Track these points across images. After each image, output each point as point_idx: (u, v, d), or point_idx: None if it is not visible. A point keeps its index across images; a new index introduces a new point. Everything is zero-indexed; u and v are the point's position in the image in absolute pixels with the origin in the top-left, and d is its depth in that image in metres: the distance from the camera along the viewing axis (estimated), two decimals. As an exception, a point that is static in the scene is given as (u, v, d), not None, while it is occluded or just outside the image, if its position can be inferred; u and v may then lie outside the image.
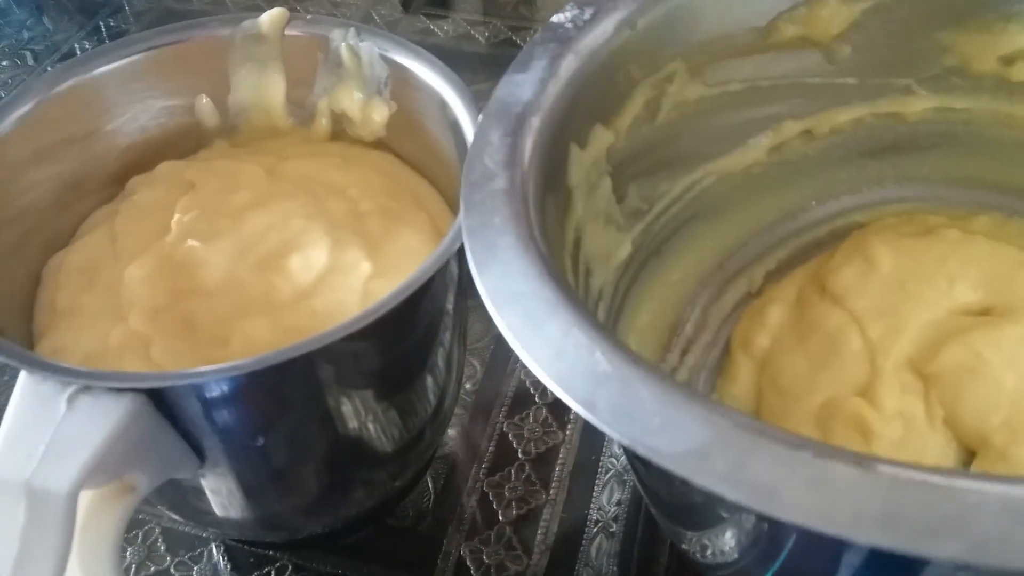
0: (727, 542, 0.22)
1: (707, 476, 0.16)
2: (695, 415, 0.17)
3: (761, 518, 0.20)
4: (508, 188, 0.23)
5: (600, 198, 0.28)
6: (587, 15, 0.27)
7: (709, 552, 0.24)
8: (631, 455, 0.26)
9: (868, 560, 0.18)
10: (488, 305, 0.20)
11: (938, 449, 0.27)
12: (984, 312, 0.30)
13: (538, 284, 0.20)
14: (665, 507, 0.26)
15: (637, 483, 0.27)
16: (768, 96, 0.32)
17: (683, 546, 0.26)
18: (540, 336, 0.19)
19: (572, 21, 0.27)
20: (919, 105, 0.33)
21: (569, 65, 0.26)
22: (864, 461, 0.16)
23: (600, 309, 0.28)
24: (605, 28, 0.27)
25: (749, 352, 0.32)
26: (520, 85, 0.26)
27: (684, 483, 0.17)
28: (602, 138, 0.28)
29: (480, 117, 0.25)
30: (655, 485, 0.25)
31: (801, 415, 0.29)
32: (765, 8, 0.30)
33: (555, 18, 0.27)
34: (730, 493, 0.16)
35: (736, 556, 0.23)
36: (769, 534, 0.21)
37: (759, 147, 0.33)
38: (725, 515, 0.21)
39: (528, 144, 0.24)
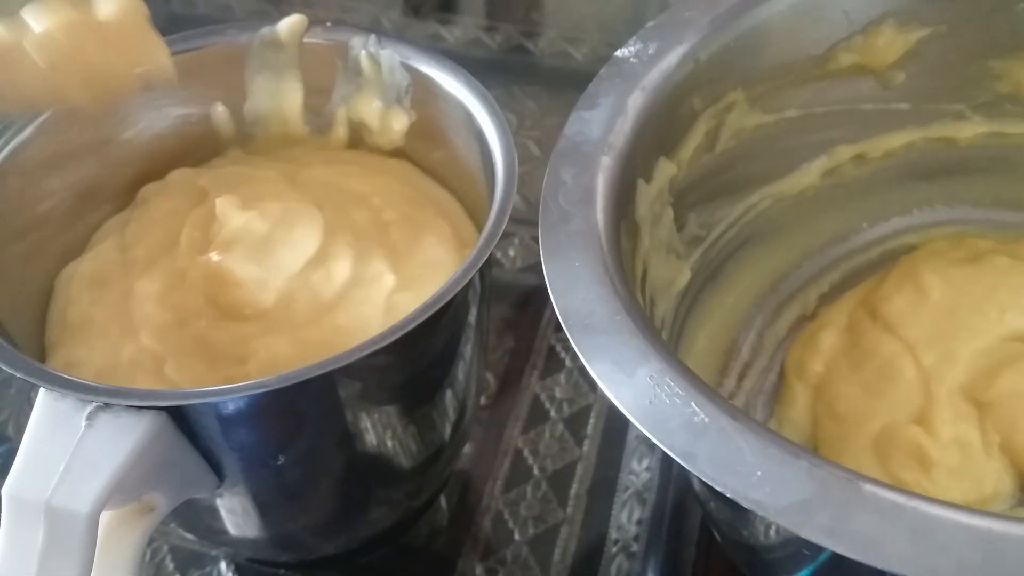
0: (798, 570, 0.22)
1: (811, 530, 0.17)
2: (796, 468, 0.18)
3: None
4: (584, 230, 0.23)
5: (662, 228, 0.29)
6: (651, 50, 0.28)
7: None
8: (708, 498, 0.26)
9: None
10: (580, 355, 0.21)
11: (995, 475, 0.28)
12: None
13: (625, 329, 0.21)
14: (741, 546, 0.26)
15: (709, 520, 0.28)
16: (823, 122, 0.33)
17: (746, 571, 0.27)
18: (633, 385, 0.19)
19: (636, 56, 0.28)
20: (971, 131, 0.34)
21: (636, 101, 0.27)
22: (964, 513, 0.16)
23: (663, 336, 0.28)
24: (670, 62, 0.28)
25: (804, 378, 0.32)
26: (589, 123, 0.26)
27: (778, 533, 0.18)
28: (665, 170, 0.28)
29: (551, 157, 0.25)
30: (736, 528, 0.25)
31: (859, 442, 0.29)
32: (823, 37, 0.31)
33: (619, 53, 0.28)
34: (834, 546, 0.17)
35: None
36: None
37: (813, 171, 0.34)
38: (808, 553, 0.21)
39: (600, 183, 0.25)
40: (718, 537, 0.28)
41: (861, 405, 0.30)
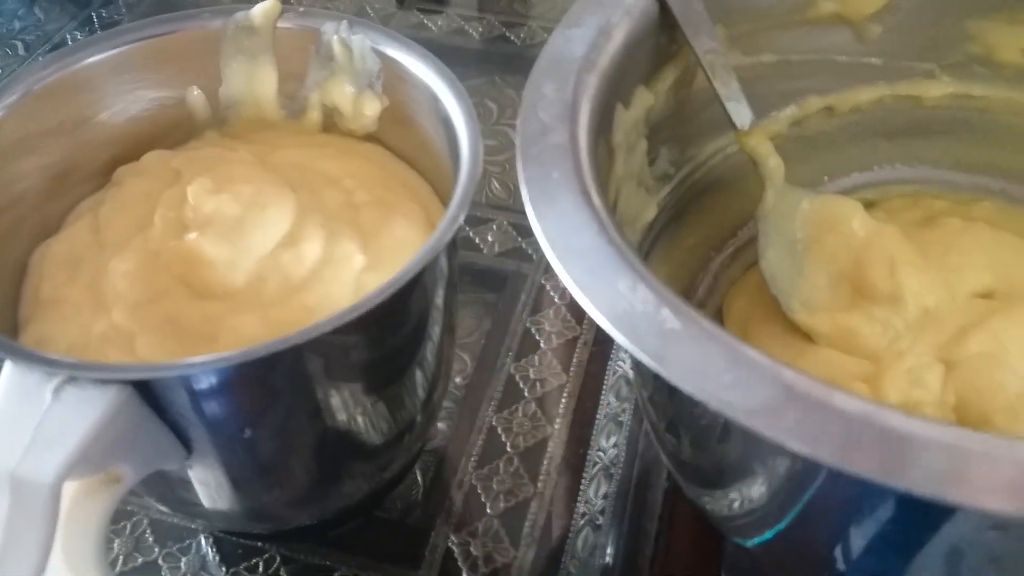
0: (756, 492, 0.23)
1: (778, 431, 0.17)
2: (765, 373, 0.18)
3: (806, 467, 0.20)
4: (566, 143, 0.23)
5: (635, 160, 0.29)
6: None
7: (736, 505, 0.25)
8: (664, 417, 0.26)
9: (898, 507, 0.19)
10: (551, 259, 0.20)
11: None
12: (987, 298, 0.31)
13: (601, 241, 0.21)
14: (697, 468, 0.26)
15: (665, 453, 0.28)
16: (797, 70, 0.33)
17: (706, 502, 0.27)
18: (607, 292, 0.19)
19: None
20: (939, 90, 0.34)
21: (621, 24, 0.26)
22: (930, 423, 0.17)
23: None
24: None
25: (732, 319, 0.33)
26: (572, 41, 0.26)
27: (744, 438, 0.18)
28: (643, 99, 0.28)
29: (533, 70, 0.25)
30: (696, 445, 0.25)
31: None
32: None
33: None
34: (801, 448, 0.17)
35: (763, 504, 0.23)
36: (802, 483, 0.21)
37: (782, 120, 0.34)
38: (760, 468, 0.22)
39: (584, 102, 0.24)
40: (681, 482, 0.28)
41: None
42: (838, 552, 0.22)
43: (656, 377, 0.24)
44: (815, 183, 0.36)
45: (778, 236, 0.31)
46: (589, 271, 0.20)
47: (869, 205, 0.35)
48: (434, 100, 0.30)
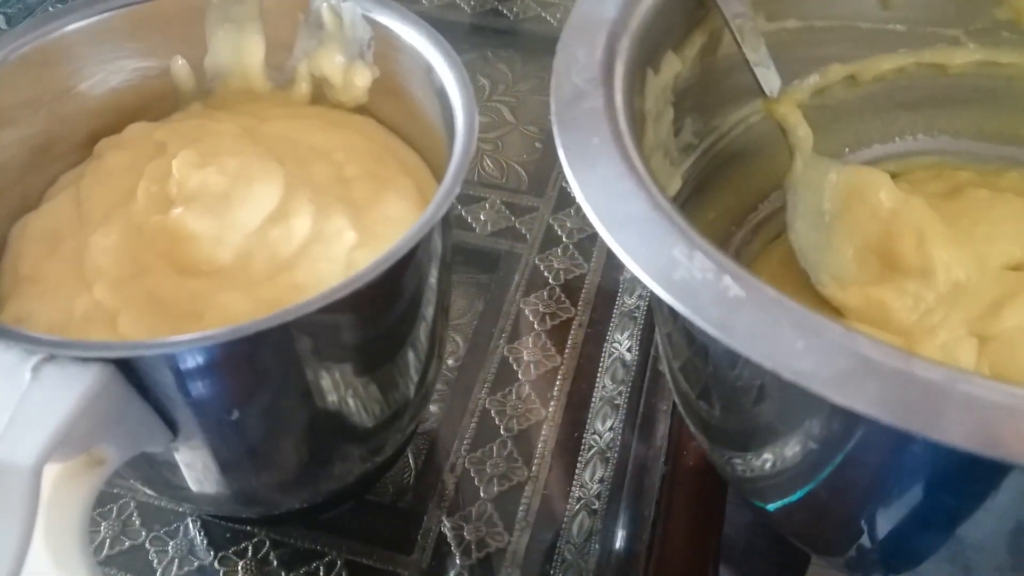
0: (791, 452, 0.22)
1: (863, 401, 0.16)
2: (838, 341, 0.17)
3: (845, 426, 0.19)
4: (602, 108, 0.22)
5: (663, 129, 0.28)
6: None
7: (767, 466, 0.24)
8: (698, 384, 0.25)
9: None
10: (599, 228, 0.19)
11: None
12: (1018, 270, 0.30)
13: (649, 207, 0.20)
14: (730, 432, 0.26)
15: (692, 421, 0.27)
16: (820, 37, 0.33)
17: (736, 464, 0.26)
18: (662, 261, 0.19)
19: None
20: (964, 58, 0.33)
21: None
22: (1014, 387, 0.16)
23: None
24: None
25: None
26: (603, 2, 0.25)
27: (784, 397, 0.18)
28: (672, 65, 0.28)
29: (564, 33, 0.24)
30: (733, 410, 0.24)
31: None
32: None
33: None
34: (888, 418, 0.16)
35: (795, 464, 0.22)
36: (838, 443, 0.20)
37: (805, 88, 0.34)
38: (798, 430, 0.21)
39: (618, 64, 0.24)
40: (708, 446, 0.27)
41: None
42: (862, 515, 0.22)
43: (691, 343, 0.23)
44: (836, 154, 0.36)
45: (806, 208, 0.31)
46: (640, 239, 0.19)
47: (892, 177, 0.34)
48: (428, 70, 0.29)
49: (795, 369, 0.17)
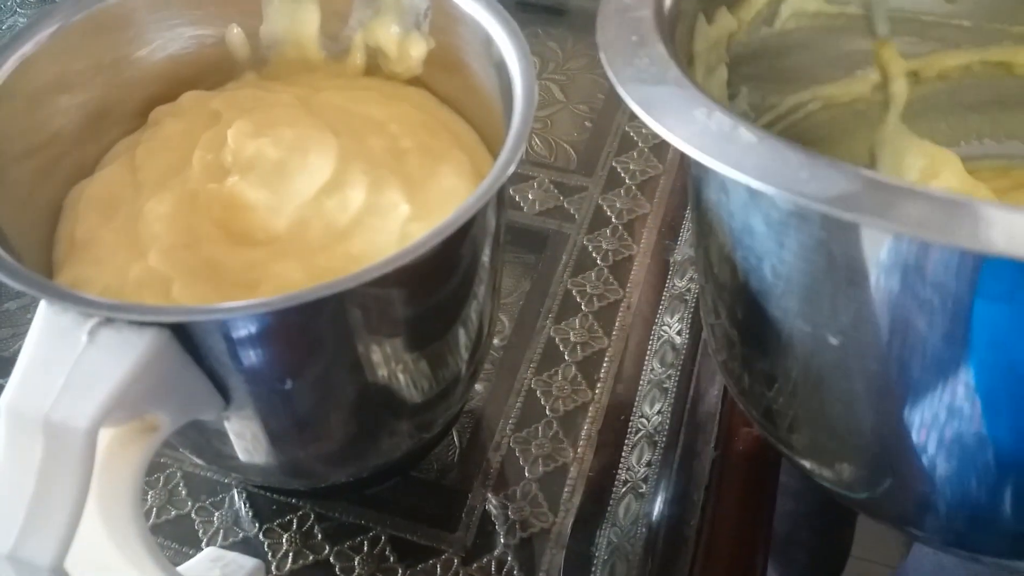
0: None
1: (861, 214, 0.17)
2: (843, 170, 0.18)
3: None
4: (652, 17, 0.23)
5: (715, 85, 0.28)
6: None
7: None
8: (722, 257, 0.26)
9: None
10: (624, 95, 0.21)
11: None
12: None
13: (673, 75, 0.21)
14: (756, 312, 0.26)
15: (722, 306, 0.27)
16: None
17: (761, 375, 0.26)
18: (683, 120, 0.20)
19: None
20: None
21: None
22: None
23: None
24: None
25: None
26: None
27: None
28: (726, 22, 0.28)
29: None
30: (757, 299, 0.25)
31: None
32: None
33: None
34: (886, 225, 0.17)
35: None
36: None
37: (866, 81, 0.33)
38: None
39: (669, 2, 0.25)
40: (728, 324, 0.27)
41: None
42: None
43: (721, 212, 0.23)
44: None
45: (886, 172, 0.30)
46: (659, 100, 0.21)
47: None
48: (487, 41, 0.28)
49: (801, 191, 0.18)
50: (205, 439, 0.27)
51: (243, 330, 0.22)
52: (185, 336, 0.22)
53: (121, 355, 0.20)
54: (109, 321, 0.21)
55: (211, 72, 0.32)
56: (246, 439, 0.26)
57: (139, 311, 0.21)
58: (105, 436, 0.21)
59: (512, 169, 0.24)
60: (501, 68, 0.28)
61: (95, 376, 0.20)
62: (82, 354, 0.20)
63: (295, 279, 0.25)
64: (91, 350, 0.20)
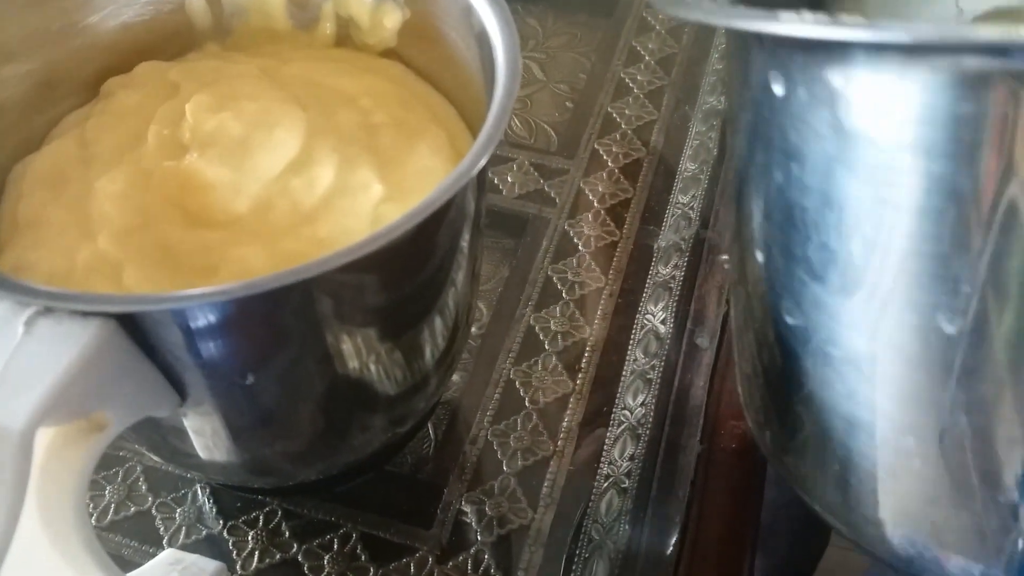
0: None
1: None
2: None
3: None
4: None
5: None
6: None
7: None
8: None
9: None
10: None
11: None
12: None
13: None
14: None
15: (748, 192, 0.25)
16: None
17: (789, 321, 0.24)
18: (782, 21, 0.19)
19: None
20: None
21: None
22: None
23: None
24: None
25: None
26: None
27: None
28: None
29: None
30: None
31: None
32: None
33: None
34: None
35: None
36: None
37: None
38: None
39: None
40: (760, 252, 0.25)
41: None
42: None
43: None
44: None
45: None
46: (742, 16, 0.20)
47: None
48: (467, 10, 0.26)
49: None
50: (161, 436, 0.25)
51: (199, 320, 0.20)
52: (134, 327, 0.20)
53: (61, 348, 0.18)
54: (48, 311, 0.19)
55: (169, 41, 0.30)
56: (206, 436, 0.25)
57: (82, 300, 0.19)
58: (45, 436, 0.19)
59: (495, 146, 0.23)
60: (482, 38, 0.26)
61: (32, 372, 0.18)
62: (17, 347, 0.18)
63: (257, 264, 0.24)
64: (28, 343, 0.18)
